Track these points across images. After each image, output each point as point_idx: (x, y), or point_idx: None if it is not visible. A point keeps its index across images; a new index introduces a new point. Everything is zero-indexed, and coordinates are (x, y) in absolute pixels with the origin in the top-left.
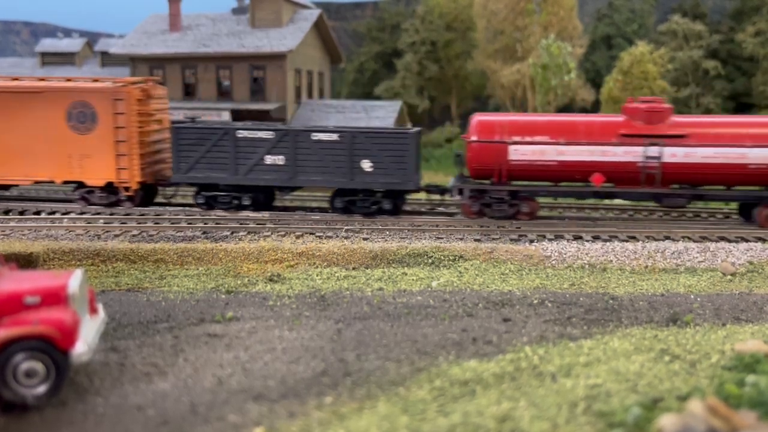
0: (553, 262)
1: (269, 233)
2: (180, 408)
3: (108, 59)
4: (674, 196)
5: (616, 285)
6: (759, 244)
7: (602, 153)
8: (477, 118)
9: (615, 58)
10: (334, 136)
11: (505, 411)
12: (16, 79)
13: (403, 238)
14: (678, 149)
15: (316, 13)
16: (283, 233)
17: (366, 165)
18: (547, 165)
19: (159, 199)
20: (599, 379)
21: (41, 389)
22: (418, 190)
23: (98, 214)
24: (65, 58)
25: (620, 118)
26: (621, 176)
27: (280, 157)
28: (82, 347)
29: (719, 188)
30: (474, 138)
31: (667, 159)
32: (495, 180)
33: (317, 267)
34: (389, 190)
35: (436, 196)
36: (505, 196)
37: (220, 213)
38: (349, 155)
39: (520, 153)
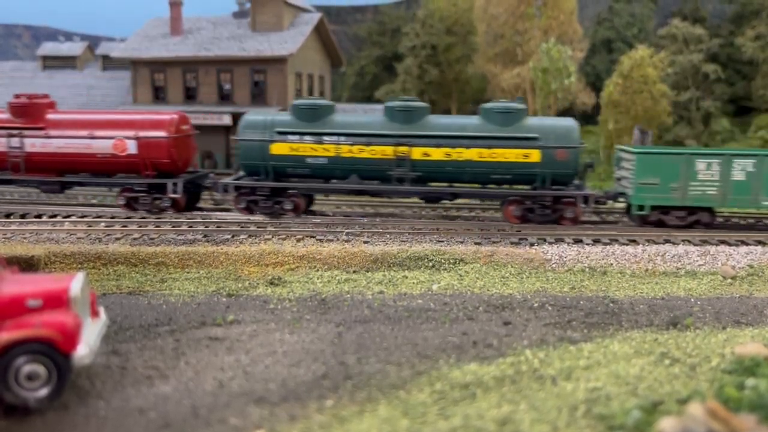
0: (554, 265)
1: (270, 236)
2: (181, 411)
3: (109, 63)
4: (46, 183)
5: (616, 288)
6: (759, 248)
7: None
8: None
9: (615, 62)
10: None
11: (505, 414)
12: None
13: (404, 241)
14: (37, 140)
15: (316, 16)
16: (283, 236)
17: None
18: None
19: None
20: (599, 383)
21: (43, 392)
22: None
23: (99, 217)
24: (66, 62)
25: (2, 115)
26: None
27: None
28: (83, 350)
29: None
30: None
31: (28, 149)
32: None
33: (318, 270)
34: None
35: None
36: None
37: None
38: None
39: None
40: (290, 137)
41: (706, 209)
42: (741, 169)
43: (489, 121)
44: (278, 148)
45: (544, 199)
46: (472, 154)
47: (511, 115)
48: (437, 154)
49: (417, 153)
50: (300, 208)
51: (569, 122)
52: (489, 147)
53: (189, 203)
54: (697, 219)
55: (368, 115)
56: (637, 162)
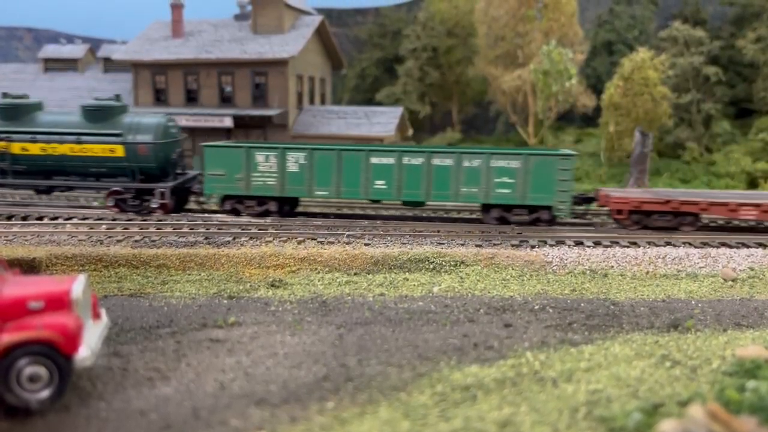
0: (555, 267)
1: (271, 238)
2: (182, 412)
3: (110, 65)
4: None
5: (617, 290)
6: (760, 250)
7: None
8: None
9: (616, 64)
10: None
11: (506, 416)
12: None
13: (405, 243)
14: None
15: (317, 19)
16: (284, 238)
17: None
18: None
19: None
20: (600, 385)
21: (44, 394)
22: None
23: (101, 219)
24: (68, 64)
25: None
26: None
27: None
28: (85, 352)
29: None
30: None
31: None
32: None
33: (319, 272)
34: None
35: None
36: None
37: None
38: None
39: None
40: None
41: (273, 198)
42: (294, 162)
43: (85, 118)
44: None
45: (131, 191)
46: (65, 149)
47: (102, 112)
48: (34, 148)
49: (16, 147)
50: None
51: (155, 120)
52: (79, 142)
53: None
54: (267, 208)
55: None
56: (205, 155)
